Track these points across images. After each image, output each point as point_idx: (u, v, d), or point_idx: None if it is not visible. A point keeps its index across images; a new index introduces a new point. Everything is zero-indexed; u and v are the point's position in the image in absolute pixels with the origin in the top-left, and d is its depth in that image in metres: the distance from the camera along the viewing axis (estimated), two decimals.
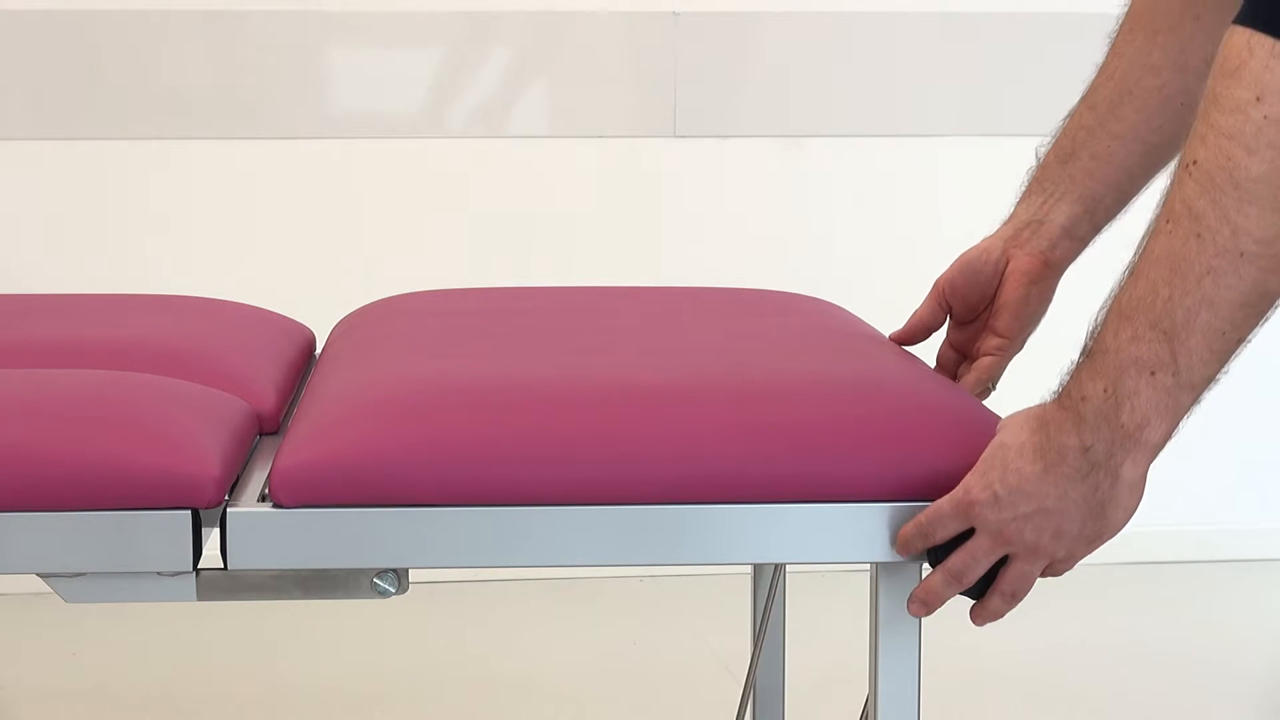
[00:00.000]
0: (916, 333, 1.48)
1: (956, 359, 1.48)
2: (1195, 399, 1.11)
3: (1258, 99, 1.02)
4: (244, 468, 1.27)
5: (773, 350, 1.41)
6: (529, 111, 3.06)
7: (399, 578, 1.20)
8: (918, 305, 1.49)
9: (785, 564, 1.57)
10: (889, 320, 1.55)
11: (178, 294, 1.77)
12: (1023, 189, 1.45)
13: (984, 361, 1.44)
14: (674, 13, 3.04)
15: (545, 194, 3.06)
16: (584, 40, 3.04)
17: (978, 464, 1.16)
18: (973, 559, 1.17)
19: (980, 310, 1.45)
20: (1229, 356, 1.09)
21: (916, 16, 3.08)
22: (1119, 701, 2.65)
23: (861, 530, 1.20)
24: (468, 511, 1.18)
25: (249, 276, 2.99)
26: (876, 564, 1.21)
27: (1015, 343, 1.44)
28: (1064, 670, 2.73)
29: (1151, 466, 1.15)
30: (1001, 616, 1.20)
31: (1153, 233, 1.08)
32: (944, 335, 1.51)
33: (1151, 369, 1.08)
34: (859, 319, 1.58)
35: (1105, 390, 1.10)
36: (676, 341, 1.43)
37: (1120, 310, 1.10)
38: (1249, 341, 1.09)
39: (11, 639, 2.84)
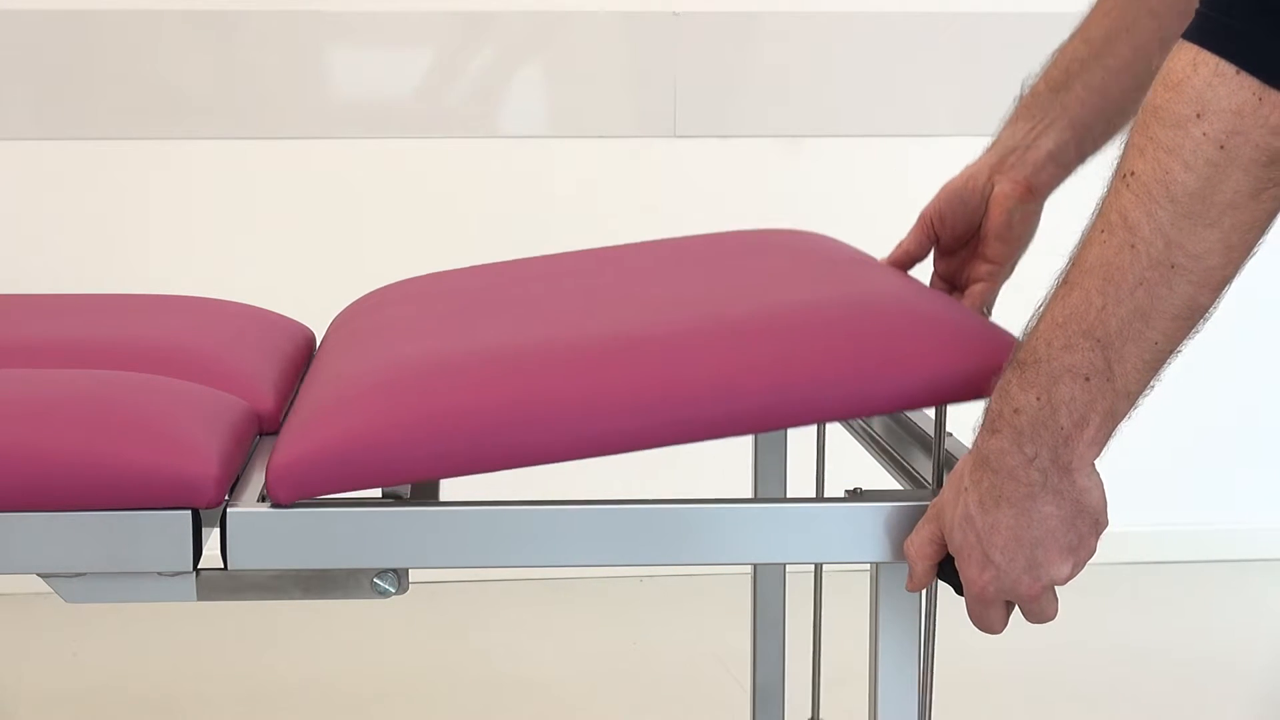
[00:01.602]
0: (902, 263, 1.49)
1: (946, 289, 1.48)
2: (1130, 407, 1.10)
3: (1198, 115, 1.03)
4: (244, 468, 1.27)
5: (768, 284, 1.40)
6: (529, 111, 3.06)
7: (399, 578, 1.20)
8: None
9: (785, 564, 1.57)
10: None
11: (178, 294, 1.77)
12: (1008, 117, 1.46)
13: (977, 288, 1.45)
14: (674, 13, 3.04)
15: (545, 194, 3.06)
16: (584, 40, 3.04)
17: (959, 558, 1.16)
18: (1041, 614, 1.17)
19: (967, 239, 1.46)
20: (1161, 366, 1.09)
21: (916, 16, 3.08)
22: (1119, 701, 2.65)
23: (861, 530, 1.19)
24: (468, 511, 1.18)
25: (249, 276, 2.99)
26: (876, 564, 1.21)
27: (1005, 268, 1.45)
28: (1064, 670, 2.73)
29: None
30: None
31: (1086, 241, 1.08)
32: (931, 268, 1.51)
33: (1086, 375, 1.08)
34: (851, 246, 1.58)
35: (1039, 399, 1.10)
36: (667, 291, 1.43)
37: (1053, 319, 1.09)
38: (1179, 352, 1.09)
39: (11, 639, 2.84)
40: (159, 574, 1.18)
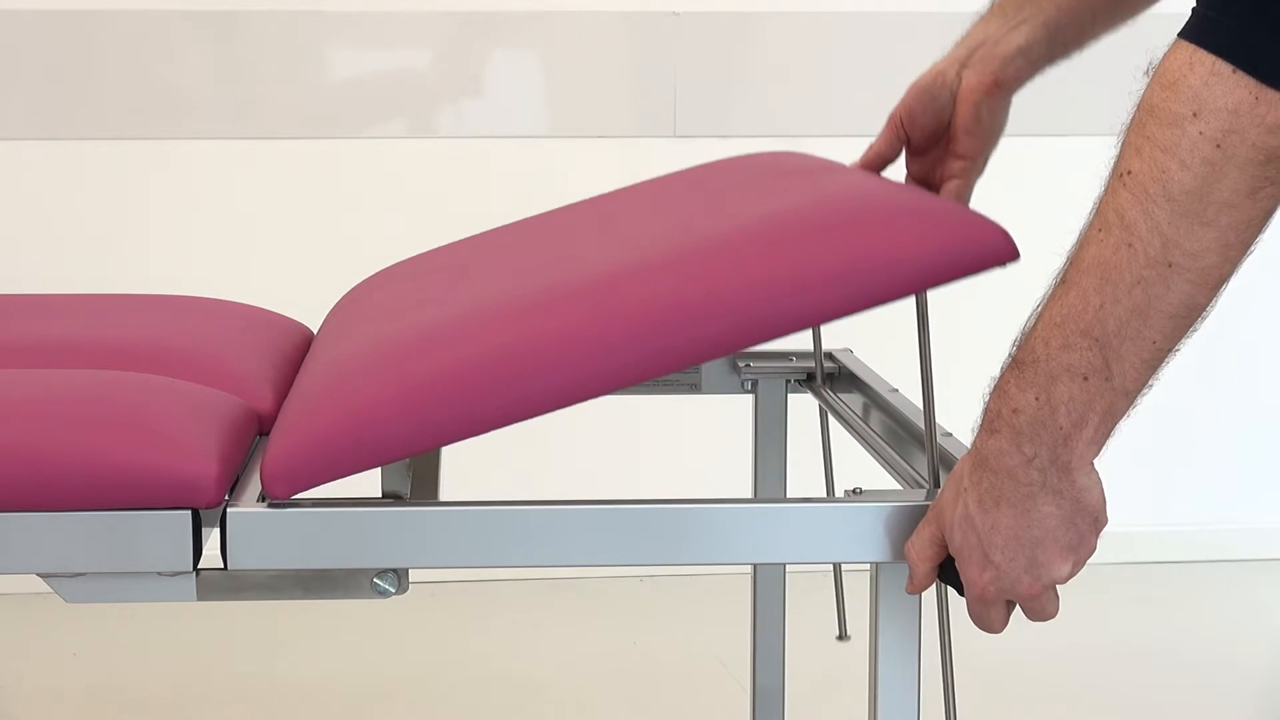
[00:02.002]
0: (874, 166, 1.50)
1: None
2: (1129, 406, 1.10)
3: (1194, 114, 1.03)
4: (244, 468, 1.27)
5: (741, 203, 1.40)
6: (529, 111, 3.06)
7: (399, 578, 1.20)
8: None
9: (785, 564, 1.57)
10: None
11: (178, 294, 1.77)
12: (979, 16, 1.46)
13: (951, 185, 1.45)
14: (674, 13, 3.04)
15: (545, 194, 3.06)
16: (584, 40, 3.04)
17: (959, 559, 1.15)
18: (1042, 612, 1.17)
19: (938, 137, 1.46)
20: (1159, 366, 1.09)
21: (916, 16, 3.08)
22: (1119, 701, 2.65)
23: (861, 530, 1.20)
24: (468, 511, 1.18)
25: (249, 276, 2.99)
26: (876, 564, 1.21)
27: (977, 163, 1.46)
28: (1064, 670, 2.73)
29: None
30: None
31: (1084, 241, 1.09)
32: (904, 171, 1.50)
33: (1084, 374, 1.08)
34: (822, 157, 1.57)
35: (1038, 398, 1.10)
36: (641, 228, 1.42)
37: (1050, 319, 1.09)
38: (1178, 351, 1.09)
39: (11, 639, 2.84)
40: (159, 574, 1.18)
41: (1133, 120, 1.06)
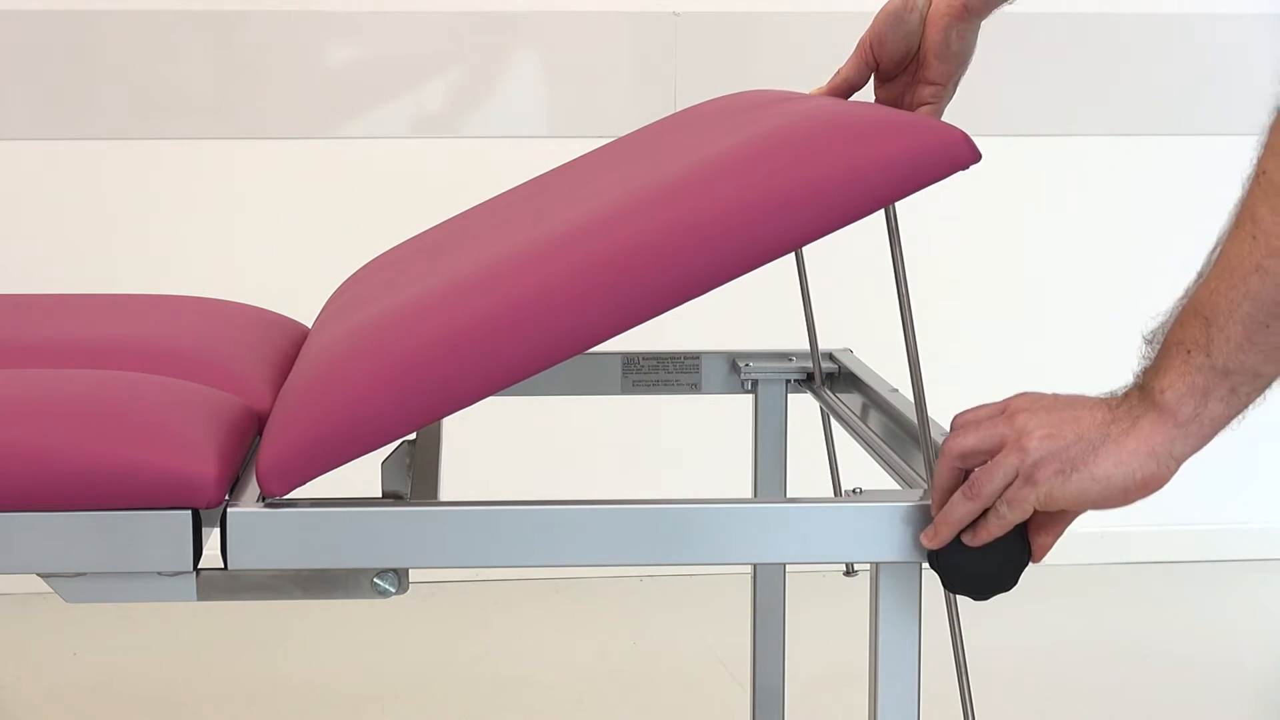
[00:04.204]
0: (841, 92, 1.51)
1: None
2: (1228, 386, 1.14)
3: None
4: (244, 467, 1.27)
5: (706, 142, 1.40)
6: (529, 111, 3.06)
7: (399, 578, 1.20)
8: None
9: (785, 564, 1.57)
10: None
11: (177, 294, 1.77)
12: None
13: (923, 111, 1.47)
14: (674, 13, 3.04)
15: None
16: (584, 40, 3.04)
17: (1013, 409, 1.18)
18: (993, 470, 1.16)
19: (906, 62, 1.47)
20: (1270, 353, 1.12)
21: None
22: (1119, 701, 2.65)
23: (861, 530, 1.20)
24: (468, 511, 1.18)
25: (247, 276, 2.99)
26: (877, 564, 1.21)
27: (947, 88, 1.47)
28: (1064, 670, 2.73)
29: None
30: (959, 520, 1.17)
31: (1222, 237, 1.13)
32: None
33: (1188, 349, 1.13)
34: (788, 90, 1.58)
35: (1153, 360, 1.15)
36: (617, 180, 1.42)
37: (1185, 302, 1.15)
38: None
39: (11, 639, 2.84)
40: (159, 574, 1.18)
41: (1273, 123, 1.10)
